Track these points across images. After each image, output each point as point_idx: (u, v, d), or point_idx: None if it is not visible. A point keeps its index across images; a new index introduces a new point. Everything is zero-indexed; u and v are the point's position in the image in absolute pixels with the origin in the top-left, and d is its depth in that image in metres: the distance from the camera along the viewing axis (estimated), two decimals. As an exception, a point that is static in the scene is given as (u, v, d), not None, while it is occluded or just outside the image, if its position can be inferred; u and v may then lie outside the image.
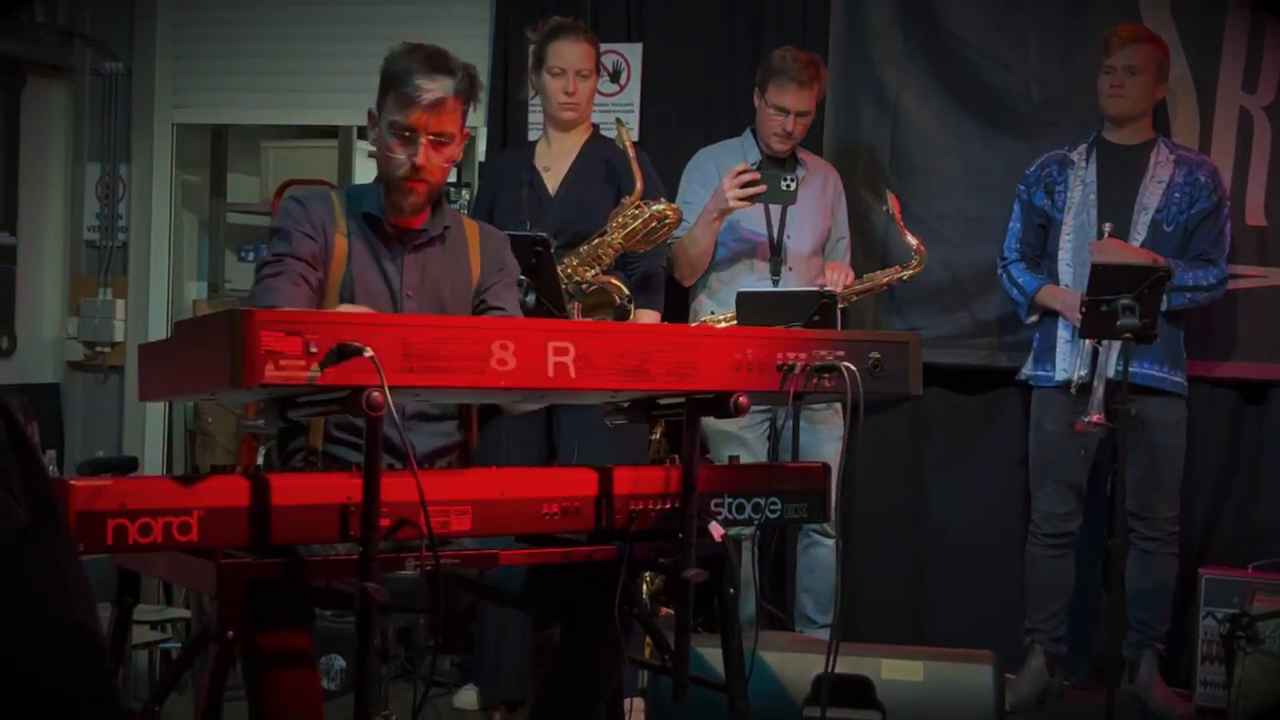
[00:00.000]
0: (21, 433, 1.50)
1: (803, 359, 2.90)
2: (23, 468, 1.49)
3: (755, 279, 4.82)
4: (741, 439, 4.69)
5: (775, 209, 4.82)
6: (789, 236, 4.86)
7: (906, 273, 4.89)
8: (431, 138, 3.20)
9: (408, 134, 3.20)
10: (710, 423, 4.41)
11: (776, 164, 4.83)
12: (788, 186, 4.64)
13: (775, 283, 4.80)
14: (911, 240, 4.81)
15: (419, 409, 3.25)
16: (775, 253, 4.85)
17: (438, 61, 3.20)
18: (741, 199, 4.61)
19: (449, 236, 3.35)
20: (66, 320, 6.06)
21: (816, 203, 4.93)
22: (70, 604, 1.53)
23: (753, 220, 4.84)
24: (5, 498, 1.42)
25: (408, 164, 3.21)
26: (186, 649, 3.36)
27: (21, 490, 1.48)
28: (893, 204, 4.81)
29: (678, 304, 4.96)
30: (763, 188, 4.61)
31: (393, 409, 2.46)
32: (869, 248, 5.21)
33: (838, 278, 4.82)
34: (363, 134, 6.50)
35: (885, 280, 4.91)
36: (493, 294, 3.37)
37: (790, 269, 4.84)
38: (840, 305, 4.83)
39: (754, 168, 4.67)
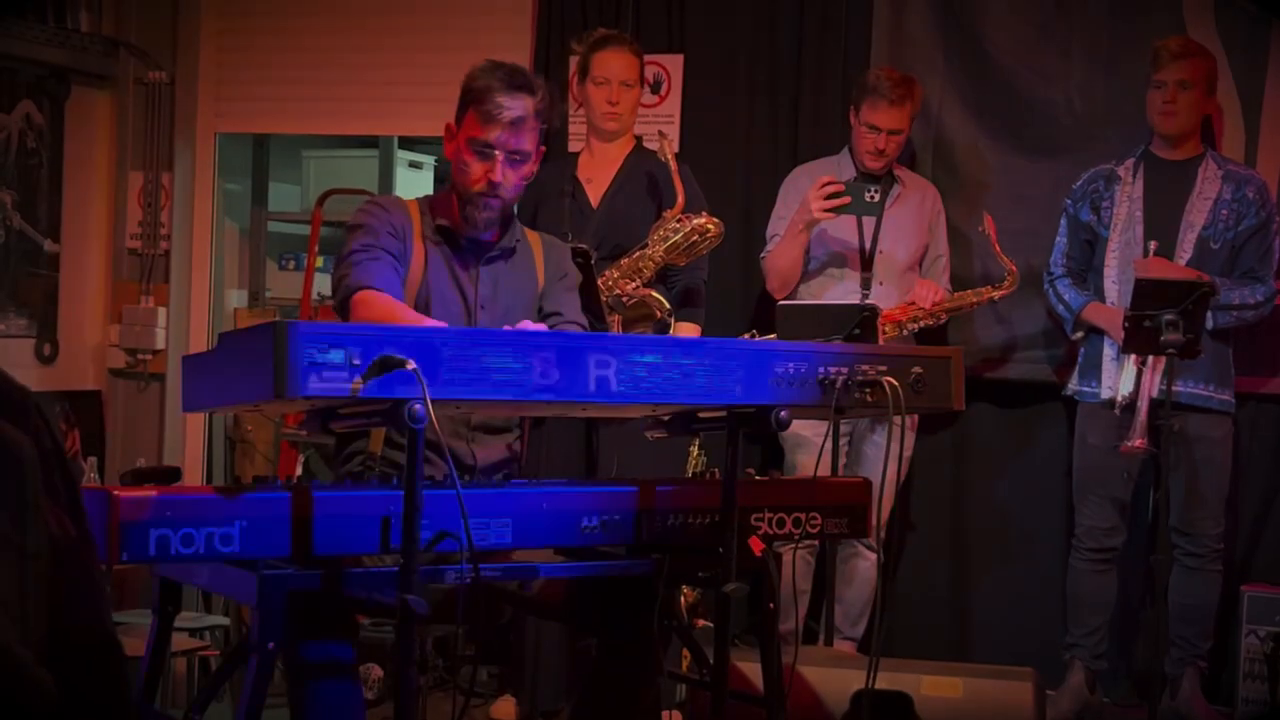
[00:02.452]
0: (60, 444, 1.52)
1: (845, 373, 2.89)
2: (63, 479, 1.51)
3: (845, 291, 4.81)
4: (816, 445, 4.64)
5: (869, 224, 4.83)
6: (881, 250, 4.86)
7: (998, 293, 4.86)
8: (509, 154, 3.22)
9: (486, 150, 3.22)
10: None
11: (870, 180, 4.83)
12: (871, 198, 4.65)
13: (865, 296, 4.78)
14: (1005, 261, 4.80)
15: (483, 421, 3.27)
16: (866, 266, 4.85)
17: (519, 80, 3.23)
18: (825, 210, 4.62)
19: (518, 249, 3.38)
20: (108, 327, 6.09)
21: (913, 219, 4.93)
22: (102, 613, 1.57)
23: (843, 231, 4.84)
24: (58, 512, 1.44)
25: (484, 180, 3.23)
26: (227, 659, 3.37)
27: (66, 501, 1.50)
28: (988, 224, 4.78)
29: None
30: (847, 199, 4.62)
31: (434, 421, 2.47)
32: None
33: (926, 294, 4.79)
34: (405, 144, 6.54)
35: (975, 299, 4.88)
36: (550, 300, 3.39)
37: (881, 283, 4.84)
38: (930, 323, 4.83)
39: (842, 181, 4.69)
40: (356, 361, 2.43)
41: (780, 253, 4.84)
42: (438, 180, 6.89)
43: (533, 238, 3.46)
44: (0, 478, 1.36)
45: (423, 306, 3.24)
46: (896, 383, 2.91)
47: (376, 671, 4.81)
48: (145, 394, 6.06)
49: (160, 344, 6.00)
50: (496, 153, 3.21)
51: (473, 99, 3.23)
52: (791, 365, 2.83)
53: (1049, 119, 5.15)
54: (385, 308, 3.09)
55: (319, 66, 5.93)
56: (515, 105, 3.19)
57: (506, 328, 3.08)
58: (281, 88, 6.03)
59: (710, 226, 4.48)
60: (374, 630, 4.54)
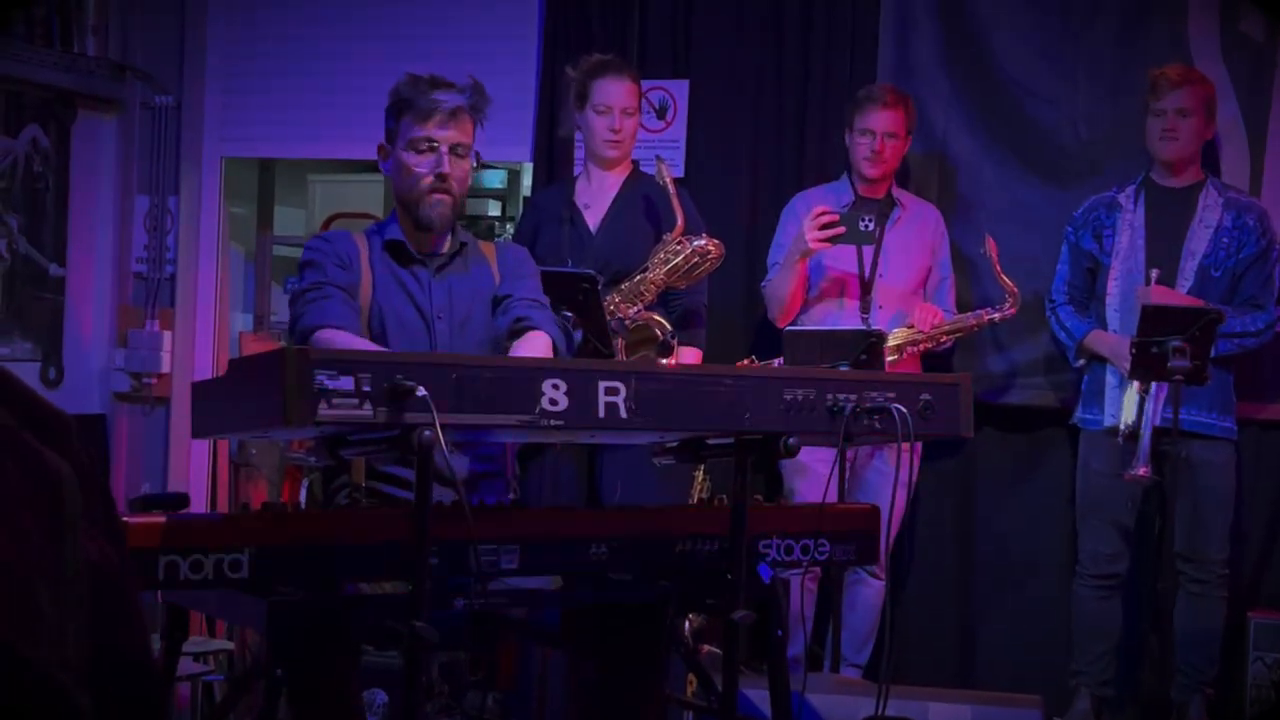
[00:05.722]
0: (96, 468, 1.52)
1: (853, 400, 2.88)
2: (102, 504, 1.51)
3: (845, 316, 4.81)
4: (815, 470, 4.63)
5: (868, 250, 4.83)
6: (881, 275, 4.85)
7: (998, 315, 4.84)
8: (451, 148, 3.29)
9: (428, 146, 3.29)
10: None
11: (870, 202, 4.82)
12: (866, 227, 4.63)
13: (865, 321, 4.78)
14: (1006, 283, 4.78)
15: None
16: (865, 291, 4.84)
17: (445, 80, 3.35)
18: (821, 240, 4.61)
19: (468, 253, 3.42)
20: (113, 351, 6.09)
21: (913, 242, 4.92)
22: (140, 640, 1.58)
23: (841, 258, 4.84)
24: (96, 536, 1.44)
25: (432, 174, 3.28)
26: (234, 685, 3.37)
27: (104, 526, 1.50)
28: (990, 247, 4.77)
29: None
30: (842, 229, 4.60)
31: (444, 446, 2.47)
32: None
33: (926, 318, 4.78)
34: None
35: (975, 322, 4.87)
36: (504, 287, 3.40)
37: (881, 307, 4.83)
38: (931, 346, 4.82)
39: (841, 209, 4.68)
40: (366, 388, 2.43)
41: (779, 282, 4.84)
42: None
43: (486, 246, 3.51)
44: (37, 501, 1.36)
45: (378, 326, 3.29)
46: (905, 409, 2.91)
47: (382, 697, 4.80)
48: (150, 418, 6.06)
49: (165, 368, 6.00)
50: (440, 145, 3.28)
51: (405, 104, 3.32)
52: (800, 392, 2.82)
53: (1054, 145, 5.15)
54: (344, 345, 3.12)
55: (324, 91, 5.94)
56: (448, 98, 3.29)
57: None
58: (287, 112, 6.04)
59: (711, 248, 4.48)
60: (379, 655, 4.52)
